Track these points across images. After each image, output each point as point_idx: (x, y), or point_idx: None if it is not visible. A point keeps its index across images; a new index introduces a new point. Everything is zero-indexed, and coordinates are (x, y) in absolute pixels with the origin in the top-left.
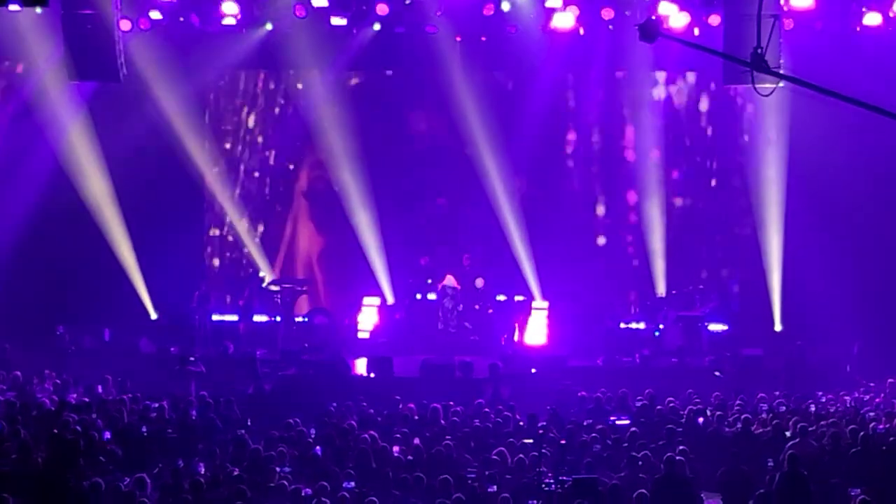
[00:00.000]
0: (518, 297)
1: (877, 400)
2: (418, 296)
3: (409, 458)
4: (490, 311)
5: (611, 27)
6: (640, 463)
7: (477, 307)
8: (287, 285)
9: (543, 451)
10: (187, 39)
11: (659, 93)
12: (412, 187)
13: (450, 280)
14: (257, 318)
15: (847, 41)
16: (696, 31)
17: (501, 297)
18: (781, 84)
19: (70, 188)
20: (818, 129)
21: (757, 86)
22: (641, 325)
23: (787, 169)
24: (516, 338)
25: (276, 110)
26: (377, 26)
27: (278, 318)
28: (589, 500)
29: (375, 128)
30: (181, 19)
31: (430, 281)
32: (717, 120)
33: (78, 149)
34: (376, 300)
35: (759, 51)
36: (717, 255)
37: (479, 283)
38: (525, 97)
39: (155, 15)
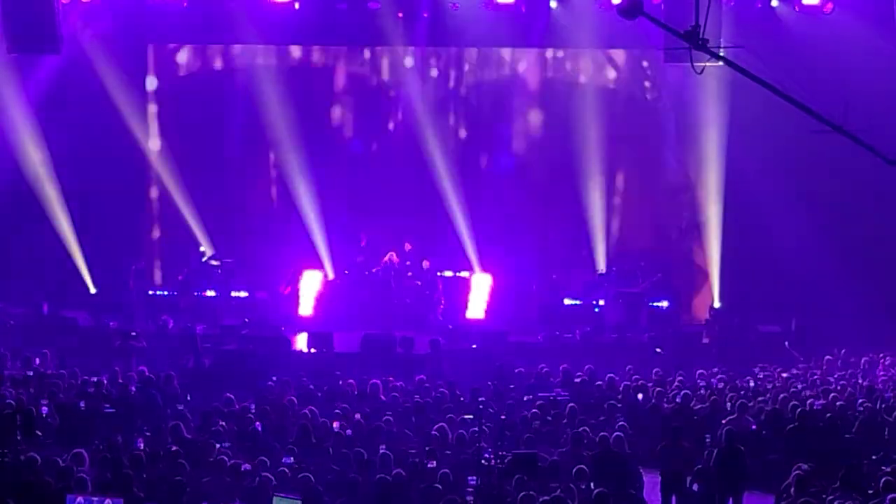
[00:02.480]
0: (462, 273)
1: (814, 376)
2: (373, 270)
3: (349, 433)
4: (437, 288)
5: (553, 5)
6: (580, 439)
7: (419, 282)
8: (227, 260)
9: (483, 426)
10: (128, 12)
11: (599, 71)
12: (355, 162)
13: (391, 256)
14: (197, 293)
15: (786, 20)
16: None
17: (448, 273)
18: (721, 63)
19: (9, 162)
20: (758, 105)
21: (695, 64)
22: (581, 301)
23: (726, 146)
24: (455, 312)
25: (218, 83)
26: None
27: (218, 294)
28: (528, 476)
29: (317, 103)
30: None
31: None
32: (657, 99)
33: (17, 122)
34: (317, 274)
35: (698, 29)
36: (656, 232)
37: (425, 264)
38: (467, 74)
39: None
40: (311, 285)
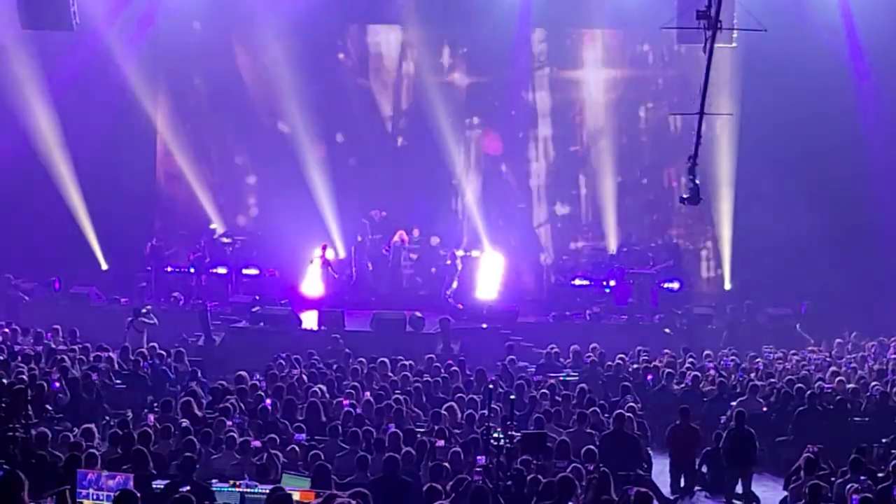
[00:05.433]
0: (473, 253)
1: (822, 358)
2: (384, 250)
3: (359, 411)
4: (447, 262)
5: None
6: (589, 419)
7: (434, 269)
8: (238, 237)
9: (493, 405)
10: None
11: (610, 53)
12: (365, 140)
13: (401, 235)
14: (209, 270)
15: (800, 3)
16: None
17: (461, 252)
18: (734, 45)
19: (21, 138)
20: (770, 89)
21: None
22: (592, 282)
23: (738, 129)
24: (466, 292)
25: (228, 60)
26: None
27: (230, 271)
28: (537, 455)
29: (328, 81)
30: None
31: (376, 236)
32: (669, 81)
33: (29, 98)
34: (330, 253)
35: (710, 11)
36: (668, 214)
37: (435, 240)
38: (477, 53)
39: None
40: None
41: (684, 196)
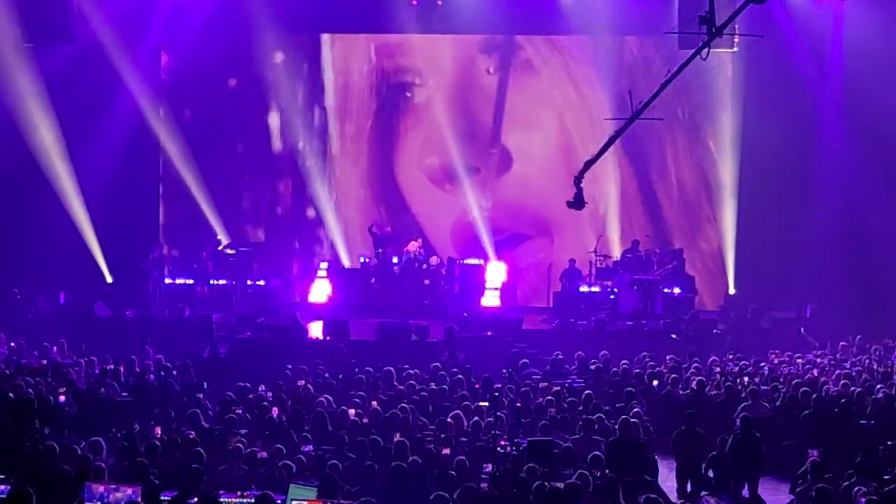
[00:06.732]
0: (477, 261)
1: (827, 361)
2: (395, 259)
3: (365, 421)
4: (453, 275)
5: None
6: (595, 426)
7: (427, 282)
8: (243, 249)
9: (498, 413)
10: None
11: (612, 57)
12: (369, 148)
13: (413, 245)
14: (214, 281)
15: (800, 9)
16: None
17: (473, 261)
18: (735, 50)
19: (24, 150)
20: (773, 92)
21: (712, 50)
22: (596, 289)
23: (741, 132)
24: (470, 300)
25: (230, 70)
26: None
27: (234, 282)
28: (543, 463)
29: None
30: None
31: (380, 251)
32: (672, 85)
33: (32, 110)
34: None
35: (710, 16)
36: (671, 219)
37: (434, 260)
38: (483, 59)
39: None
40: (325, 274)
41: (569, 201)
